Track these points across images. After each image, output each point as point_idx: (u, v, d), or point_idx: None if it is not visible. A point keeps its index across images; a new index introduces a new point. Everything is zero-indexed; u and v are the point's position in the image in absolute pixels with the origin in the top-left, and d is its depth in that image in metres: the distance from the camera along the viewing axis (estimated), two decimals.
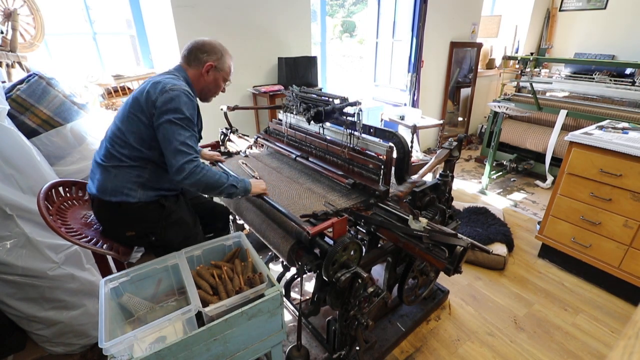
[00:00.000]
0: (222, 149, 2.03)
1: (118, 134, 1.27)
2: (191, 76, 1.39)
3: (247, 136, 2.09)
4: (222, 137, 2.06)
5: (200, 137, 1.38)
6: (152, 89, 1.23)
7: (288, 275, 1.87)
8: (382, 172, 1.39)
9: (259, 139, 1.99)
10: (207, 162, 1.80)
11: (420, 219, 1.16)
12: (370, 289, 1.16)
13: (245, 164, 1.74)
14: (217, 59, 1.40)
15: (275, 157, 1.89)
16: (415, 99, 3.82)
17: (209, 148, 1.99)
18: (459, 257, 1.05)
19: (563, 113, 3.12)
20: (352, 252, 1.11)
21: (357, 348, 1.35)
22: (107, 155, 1.29)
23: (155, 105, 1.21)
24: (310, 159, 1.64)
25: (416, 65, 3.67)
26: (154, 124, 1.22)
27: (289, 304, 1.77)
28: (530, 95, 3.34)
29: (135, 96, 1.27)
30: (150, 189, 1.31)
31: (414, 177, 1.47)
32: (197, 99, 1.42)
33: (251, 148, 2.00)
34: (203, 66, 1.37)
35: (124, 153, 1.26)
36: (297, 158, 1.67)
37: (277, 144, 1.87)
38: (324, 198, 1.39)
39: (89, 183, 1.34)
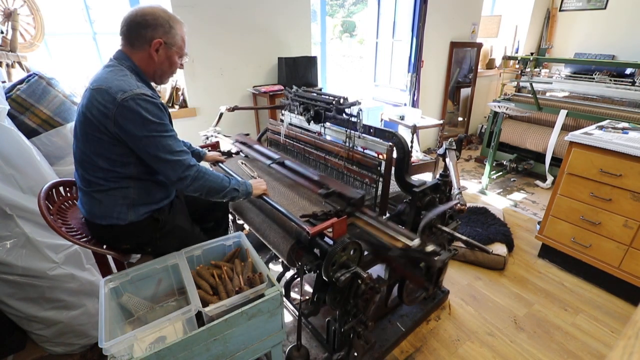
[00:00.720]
0: (222, 149, 2.03)
1: (85, 158, 1.14)
2: (138, 61, 1.16)
3: (229, 137, 2.05)
4: (205, 138, 2.05)
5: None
6: (101, 99, 1.05)
7: (288, 275, 1.87)
8: (379, 173, 1.38)
9: (236, 142, 1.92)
10: (208, 164, 1.77)
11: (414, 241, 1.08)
12: (367, 284, 1.14)
13: (245, 164, 1.73)
14: (164, 33, 1.14)
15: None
16: (415, 99, 3.81)
17: (209, 148, 1.99)
18: (436, 276, 1.02)
19: (563, 113, 3.12)
20: (351, 252, 1.11)
21: (356, 350, 1.34)
22: (84, 181, 1.18)
23: (116, 123, 1.05)
24: (287, 163, 1.57)
25: (416, 65, 3.67)
26: (129, 144, 1.09)
27: (289, 304, 1.77)
28: (530, 95, 3.34)
29: (83, 112, 1.09)
30: (141, 206, 1.22)
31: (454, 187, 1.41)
32: (153, 83, 1.24)
33: (234, 152, 1.96)
34: (150, 45, 1.13)
35: (100, 176, 1.14)
36: (271, 165, 1.60)
37: (256, 146, 1.81)
38: (296, 205, 1.36)
39: (78, 203, 1.27)
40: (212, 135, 2.08)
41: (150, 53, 1.15)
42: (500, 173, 3.59)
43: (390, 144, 1.41)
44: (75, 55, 2.43)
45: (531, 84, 3.21)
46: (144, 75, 1.18)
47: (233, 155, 1.95)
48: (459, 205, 1.23)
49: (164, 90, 2.55)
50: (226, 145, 2.00)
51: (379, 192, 1.44)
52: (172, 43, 1.18)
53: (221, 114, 2.02)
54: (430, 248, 1.07)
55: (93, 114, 1.06)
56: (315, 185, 1.36)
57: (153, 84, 1.25)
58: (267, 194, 1.37)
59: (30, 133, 1.57)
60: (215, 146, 2.04)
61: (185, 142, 1.48)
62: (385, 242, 1.13)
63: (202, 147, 1.96)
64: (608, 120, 2.19)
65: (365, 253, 1.26)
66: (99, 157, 1.12)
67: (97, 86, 1.07)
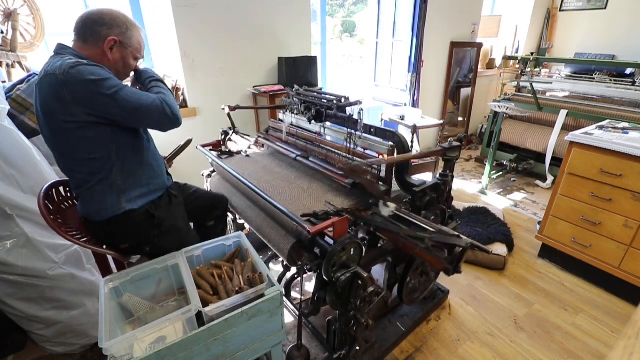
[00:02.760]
0: (223, 148, 2.03)
1: (63, 156, 1.15)
2: (88, 55, 1.13)
3: (248, 136, 2.09)
4: (223, 136, 2.06)
5: None
6: (47, 86, 1.02)
7: (288, 275, 1.87)
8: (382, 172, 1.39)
9: (259, 138, 1.99)
10: None
11: (389, 204, 1.20)
12: (371, 289, 1.16)
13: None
14: (121, 33, 1.14)
15: (276, 157, 1.89)
16: (415, 99, 3.81)
17: (210, 147, 1.99)
18: (459, 257, 1.05)
19: (563, 113, 3.12)
20: (352, 252, 1.11)
21: (357, 348, 1.34)
22: (73, 183, 1.20)
23: (74, 101, 1.01)
24: (310, 158, 1.64)
25: (416, 65, 3.67)
26: (102, 115, 1.06)
27: (289, 304, 1.77)
28: (530, 95, 3.34)
29: (42, 110, 1.07)
30: (131, 190, 1.21)
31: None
32: None
33: (250, 148, 2.00)
34: (104, 42, 1.12)
35: (84, 171, 1.14)
36: (298, 158, 1.66)
37: (278, 143, 1.87)
38: (324, 198, 1.39)
39: (78, 203, 1.29)
40: (231, 135, 2.07)
41: (103, 50, 1.14)
42: (501, 173, 3.59)
43: (391, 143, 1.41)
44: None
45: (531, 84, 3.21)
46: (90, 62, 1.12)
47: (234, 154, 1.96)
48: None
49: None
50: (242, 143, 2.01)
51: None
52: (128, 44, 1.18)
53: (229, 114, 2.02)
54: (451, 230, 1.13)
55: (50, 105, 1.04)
56: (341, 177, 1.41)
57: None
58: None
59: (30, 133, 1.57)
60: (216, 145, 2.04)
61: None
62: (413, 227, 1.19)
63: (203, 145, 1.96)
64: (608, 120, 2.18)
65: (380, 244, 1.34)
66: (80, 149, 1.10)
67: (39, 81, 1.05)
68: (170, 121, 1.17)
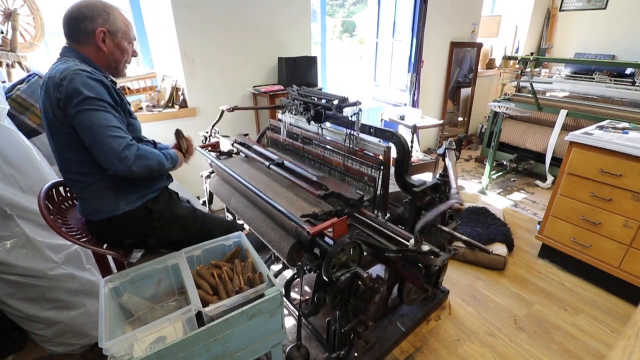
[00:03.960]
0: (222, 148, 2.02)
1: (60, 156, 1.16)
2: (87, 54, 1.14)
3: (227, 137, 2.04)
4: (203, 139, 2.05)
5: (132, 122, 1.23)
6: (52, 91, 1.04)
7: (288, 274, 1.86)
8: (379, 173, 1.38)
9: (235, 143, 1.91)
10: None
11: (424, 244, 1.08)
12: (367, 284, 1.14)
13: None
14: (104, 21, 1.12)
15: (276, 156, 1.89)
16: (415, 99, 3.81)
17: (209, 148, 1.99)
18: (436, 276, 1.02)
19: (563, 113, 3.12)
20: (351, 252, 1.11)
21: (356, 350, 1.34)
22: (70, 183, 1.23)
23: (59, 106, 1.03)
24: (286, 163, 1.54)
25: (416, 65, 3.67)
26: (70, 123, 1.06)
27: (289, 304, 1.77)
28: (530, 95, 3.34)
29: (44, 110, 1.11)
30: (129, 194, 1.22)
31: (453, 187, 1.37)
32: (110, 76, 1.22)
33: (234, 152, 1.95)
34: (94, 37, 1.12)
35: (79, 172, 1.15)
36: (271, 166, 1.56)
37: (255, 147, 1.79)
38: (296, 204, 1.36)
39: (77, 203, 1.30)
40: (210, 135, 2.08)
41: (97, 45, 1.13)
42: (500, 173, 3.59)
43: (391, 143, 1.41)
44: None
45: (531, 84, 3.21)
46: (94, 63, 1.15)
47: (233, 155, 1.95)
48: (456, 204, 1.23)
49: (164, 91, 2.55)
50: (226, 145, 2.00)
51: (379, 192, 1.44)
52: (116, 29, 1.15)
53: (222, 113, 2.01)
54: (425, 248, 1.06)
55: (46, 107, 1.08)
56: (313, 187, 1.35)
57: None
58: (190, 150, 1.44)
59: (30, 133, 1.57)
60: (215, 146, 2.04)
61: (148, 139, 1.39)
62: (382, 243, 1.13)
63: (202, 146, 1.96)
64: (608, 120, 2.18)
65: (365, 253, 1.26)
66: (69, 151, 1.12)
67: (45, 82, 1.08)
68: (122, 167, 1.06)
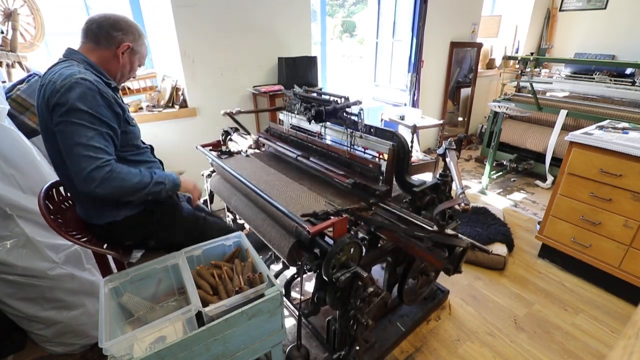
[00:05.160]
0: (224, 148, 2.03)
1: (56, 160, 1.14)
2: (98, 58, 1.16)
3: (249, 135, 2.09)
4: (224, 136, 2.06)
5: (131, 134, 1.21)
6: (49, 96, 1.03)
7: (288, 274, 1.86)
8: (383, 172, 1.39)
9: (260, 138, 1.99)
10: None
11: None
12: (370, 289, 1.16)
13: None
14: (134, 40, 1.20)
15: (275, 157, 1.89)
16: (415, 99, 3.81)
17: (210, 148, 1.99)
18: (459, 257, 1.06)
19: (563, 113, 3.12)
20: (351, 252, 1.11)
21: (357, 348, 1.35)
22: (69, 189, 1.23)
23: (51, 112, 1.03)
24: (311, 158, 1.63)
25: (416, 65, 3.67)
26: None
27: (289, 304, 1.77)
28: (530, 95, 3.34)
29: (39, 114, 1.10)
30: (131, 201, 1.21)
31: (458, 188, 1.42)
32: (113, 81, 1.22)
33: (251, 147, 2.00)
34: (118, 46, 1.16)
35: (68, 176, 1.13)
36: (299, 157, 1.66)
37: (279, 143, 1.87)
38: (324, 198, 1.39)
39: (77, 205, 1.30)
40: (229, 140, 2.07)
41: (116, 53, 1.17)
42: (500, 173, 3.59)
43: (392, 143, 1.41)
44: None
45: (531, 84, 3.21)
46: (100, 68, 1.16)
47: (234, 154, 1.96)
48: (463, 204, 1.24)
49: (164, 91, 2.55)
50: (243, 143, 2.01)
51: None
52: (138, 51, 1.23)
53: (232, 116, 2.01)
54: (450, 231, 1.13)
55: (43, 111, 1.06)
56: (342, 177, 1.42)
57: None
58: (198, 193, 1.35)
59: (30, 133, 1.57)
60: (216, 145, 2.04)
61: (146, 145, 1.37)
62: (407, 230, 1.18)
63: (203, 145, 1.96)
64: (608, 120, 2.19)
65: (380, 244, 1.35)
66: (57, 154, 1.10)
67: (44, 84, 1.06)
68: (85, 187, 1.02)
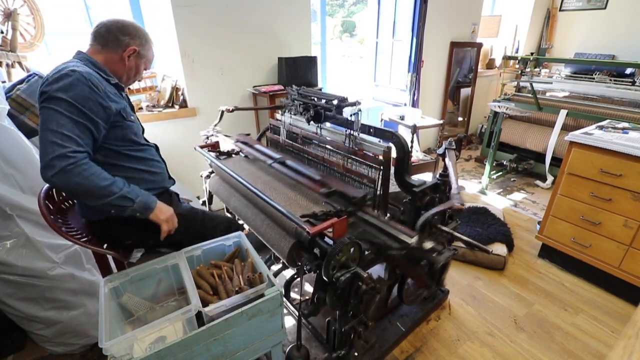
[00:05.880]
0: (221, 148, 2.02)
1: None
2: (105, 60, 1.19)
3: (229, 136, 2.05)
4: (205, 138, 2.05)
5: (126, 134, 1.20)
6: (39, 86, 1.04)
7: (288, 274, 1.86)
8: (379, 173, 1.38)
9: (237, 142, 1.91)
10: None
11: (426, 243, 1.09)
12: (370, 285, 1.15)
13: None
14: (140, 44, 1.24)
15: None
16: (415, 99, 3.81)
17: (208, 148, 1.99)
18: (439, 273, 1.02)
19: (563, 113, 3.12)
20: (351, 252, 1.11)
21: (356, 354, 1.34)
22: None
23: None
24: (288, 162, 1.54)
25: (416, 65, 3.67)
26: None
27: (289, 304, 1.77)
28: (530, 95, 3.34)
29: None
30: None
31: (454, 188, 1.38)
32: (117, 79, 1.24)
33: (234, 152, 1.95)
34: (125, 49, 1.20)
35: None
36: (273, 164, 1.56)
37: (257, 146, 1.78)
38: (296, 204, 1.35)
39: (76, 204, 1.30)
40: (212, 135, 2.08)
41: (122, 56, 1.21)
42: (500, 173, 3.59)
43: (390, 143, 1.41)
44: None
45: (531, 84, 3.21)
46: (101, 65, 1.18)
47: (233, 155, 1.95)
48: (457, 204, 1.23)
49: (164, 91, 2.55)
50: (227, 145, 2.00)
51: (379, 192, 1.44)
52: (144, 55, 1.27)
53: (222, 114, 2.01)
54: (428, 245, 1.07)
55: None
56: (317, 185, 1.35)
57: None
58: (169, 228, 1.23)
59: (30, 133, 1.57)
60: (215, 146, 2.04)
61: (150, 143, 1.37)
62: (385, 241, 1.13)
63: (202, 146, 1.96)
64: (608, 120, 2.18)
65: (367, 252, 1.26)
66: None
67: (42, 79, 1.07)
68: (44, 174, 0.98)
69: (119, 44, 1.19)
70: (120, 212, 1.11)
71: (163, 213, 1.20)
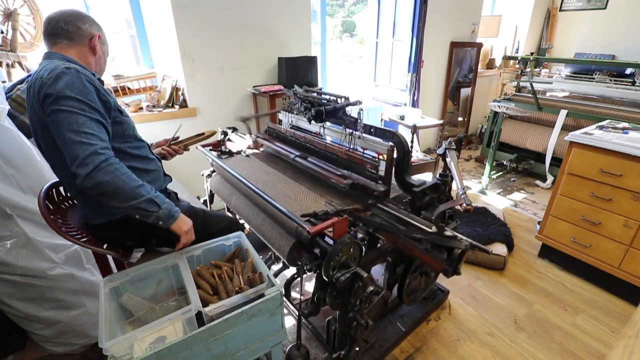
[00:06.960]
0: (223, 148, 2.03)
1: (53, 161, 1.14)
2: (77, 55, 1.15)
3: (247, 135, 2.10)
4: (223, 136, 2.06)
5: (122, 126, 1.18)
6: (38, 90, 1.01)
7: (288, 274, 1.86)
8: (380, 172, 1.39)
9: (258, 139, 1.99)
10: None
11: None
12: (370, 288, 1.16)
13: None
14: (99, 29, 1.20)
15: (275, 157, 1.89)
16: (415, 99, 3.81)
17: (210, 147, 1.99)
18: (458, 259, 1.05)
19: (563, 113, 3.12)
20: (351, 252, 1.11)
21: (357, 348, 1.34)
22: (67, 187, 1.22)
23: (42, 100, 1.00)
24: (309, 159, 1.63)
25: (416, 65, 3.67)
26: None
27: (289, 304, 1.77)
28: (530, 95, 3.34)
29: (30, 117, 1.09)
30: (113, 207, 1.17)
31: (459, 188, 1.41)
32: (97, 74, 1.22)
33: (250, 147, 2.00)
34: (90, 38, 1.16)
35: (64, 175, 1.14)
36: (296, 158, 1.66)
37: (277, 143, 1.87)
38: (323, 198, 1.39)
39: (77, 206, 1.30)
40: (227, 139, 2.08)
41: (91, 46, 1.17)
42: (500, 173, 3.59)
43: (391, 143, 1.41)
44: None
45: (531, 84, 3.21)
46: (81, 63, 1.14)
47: (234, 154, 1.96)
48: (464, 205, 1.25)
49: (164, 91, 2.55)
50: (241, 143, 2.01)
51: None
52: (104, 41, 1.24)
53: (244, 120, 2.03)
54: (449, 233, 1.12)
55: (36, 110, 1.04)
56: (339, 178, 1.41)
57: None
58: (186, 241, 1.21)
59: (30, 133, 1.57)
60: (216, 145, 2.04)
61: (142, 140, 1.34)
62: (412, 228, 1.19)
63: (203, 145, 1.96)
64: (608, 120, 2.19)
65: (379, 245, 1.35)
66: (50, 152, 1.10)
67: (33, 82, 1.04)
68: (79, 171, 0.96)
69: (83, 34, 1.14)
70: (145, 218, 1.08)
71: (185, 224, 1.18)
